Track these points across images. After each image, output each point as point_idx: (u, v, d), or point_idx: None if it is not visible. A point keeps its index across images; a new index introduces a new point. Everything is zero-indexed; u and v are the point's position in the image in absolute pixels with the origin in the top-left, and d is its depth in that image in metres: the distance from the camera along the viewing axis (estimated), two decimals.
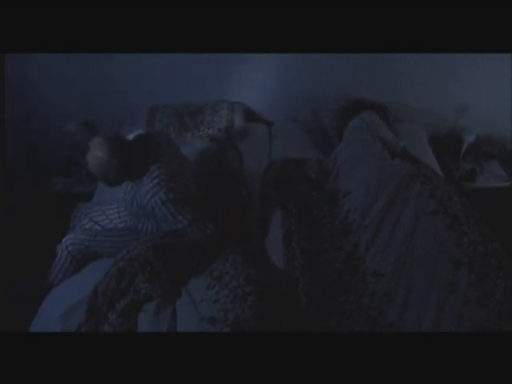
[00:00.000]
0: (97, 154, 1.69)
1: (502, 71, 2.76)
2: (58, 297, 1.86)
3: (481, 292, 1.62)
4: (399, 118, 2.91)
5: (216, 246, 1.89)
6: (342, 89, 2.85)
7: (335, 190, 2.26)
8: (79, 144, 2.91)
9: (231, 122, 2.80)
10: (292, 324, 1.58)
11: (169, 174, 1.79)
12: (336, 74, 2.84)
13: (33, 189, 2.99)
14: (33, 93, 2.93)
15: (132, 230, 2.02)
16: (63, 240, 1.99)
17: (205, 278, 1.73)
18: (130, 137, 1.91)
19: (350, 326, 1.63)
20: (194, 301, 1.64)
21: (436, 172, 2.35)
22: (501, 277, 1.68)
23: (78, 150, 2.90)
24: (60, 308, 1.71)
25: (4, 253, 2.47)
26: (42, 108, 2.99)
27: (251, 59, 2.79)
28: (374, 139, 2.43)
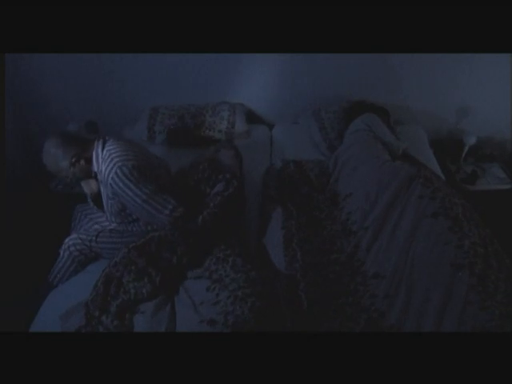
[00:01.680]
0: (51, 151, 1.82)
1: (504, 72, 2.77)
2: (59, 297, 1.86)
3: (482, 294, 1.62)
4: (400, 120, 2.91)
5: (202, 241, 1.87)
6: (343, 90, 2.86)
7: (336, 191, 2.26)
8: None
9: (232, 124, 2.80)
10: (292, 326, 1.58)
11: (118, 149, 1.83)
12: (337, 76, 2.85)
13: (33, 189, 2.99)
14: (33, 93, 2.93)
15: (129, 232, 2.03)
16: (65, 240, 1.99)
17: (205, 280, 1.72)
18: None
19: (351, 327, 1.63)
20: (193, 303, 1.64)
21: (437, 174, 2.35)
22: (501, 279, 1.68)
23: None
24: (60, 308, 1.72)
25: (4, 253, 2.47)
26: (42, 108, 2.99)
27: (252, 60, 2.79)
28: (374, 141, 2.42)
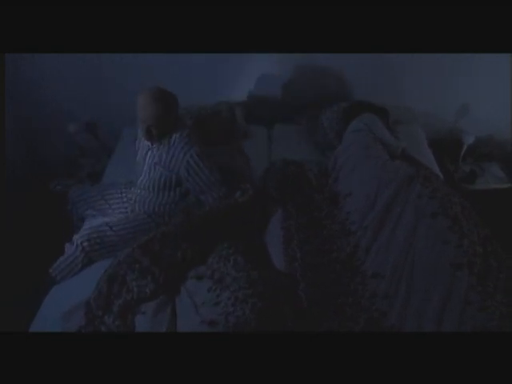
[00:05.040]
0: (170, 100, 1.98)
1: (503, 71, 2.77)
2: (60, 294, 1.86)
3: (481, 294, 1.62)
4: (399, 119, 2.91)
5: (205, 237, 1.91)
6: (343, 90, 2.86)
7: (335, 191, 2.26)
8: (80, 145, 2.92)
9: (231, 124, 2.79)
10: (293, 326, 1.58)
11: (195, 137, 2.07)
12: (337, 76, 2.85)
13: (33, 189, 2.99)
14: (33, 93, 2.92)
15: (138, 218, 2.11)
16: (75, 237, 1.99)
17: (206, 280, 1.72)
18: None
19: (351, 327, 1.63)
20: (194, 303, 1.64)
21: (436, 174, 2.35)
22: (501, 278, 1.68)
23: (79, 150, 2.91)
24: (62, 305, 1.72)
25: (4, 253, 2.46)
26: (42, 108, 2.99)
27: (251, 60, 2.79)
28: (373, 141, 2.43)
